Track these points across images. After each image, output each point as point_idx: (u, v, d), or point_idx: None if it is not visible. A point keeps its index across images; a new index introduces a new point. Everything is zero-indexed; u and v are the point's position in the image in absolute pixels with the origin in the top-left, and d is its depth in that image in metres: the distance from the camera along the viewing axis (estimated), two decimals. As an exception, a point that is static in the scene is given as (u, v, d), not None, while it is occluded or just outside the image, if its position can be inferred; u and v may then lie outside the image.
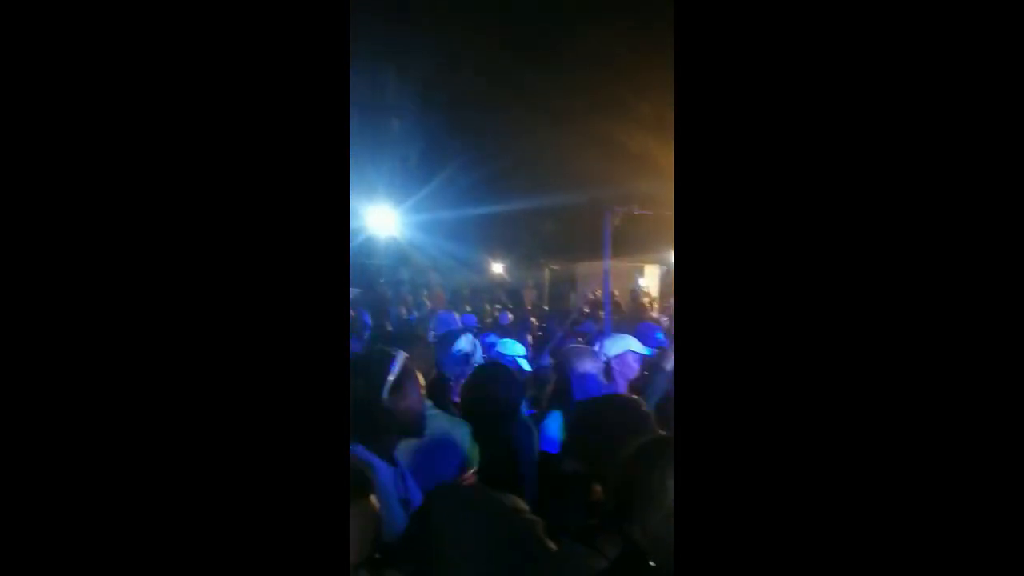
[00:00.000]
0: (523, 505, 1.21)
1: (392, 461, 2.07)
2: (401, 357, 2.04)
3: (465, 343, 3.70)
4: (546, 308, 11.20)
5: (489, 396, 2.78)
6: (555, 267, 16.92)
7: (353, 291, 14.65)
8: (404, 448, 2.17)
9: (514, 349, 4.15)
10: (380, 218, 12.23)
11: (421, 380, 2.11)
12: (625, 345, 3.57)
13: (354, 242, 13.17)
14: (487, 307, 11.70)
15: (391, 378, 1.99)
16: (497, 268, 17.23)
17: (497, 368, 3.11)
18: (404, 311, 9.43)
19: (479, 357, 3.79)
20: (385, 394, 1.98)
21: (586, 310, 9.20)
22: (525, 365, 3.94)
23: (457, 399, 3.37)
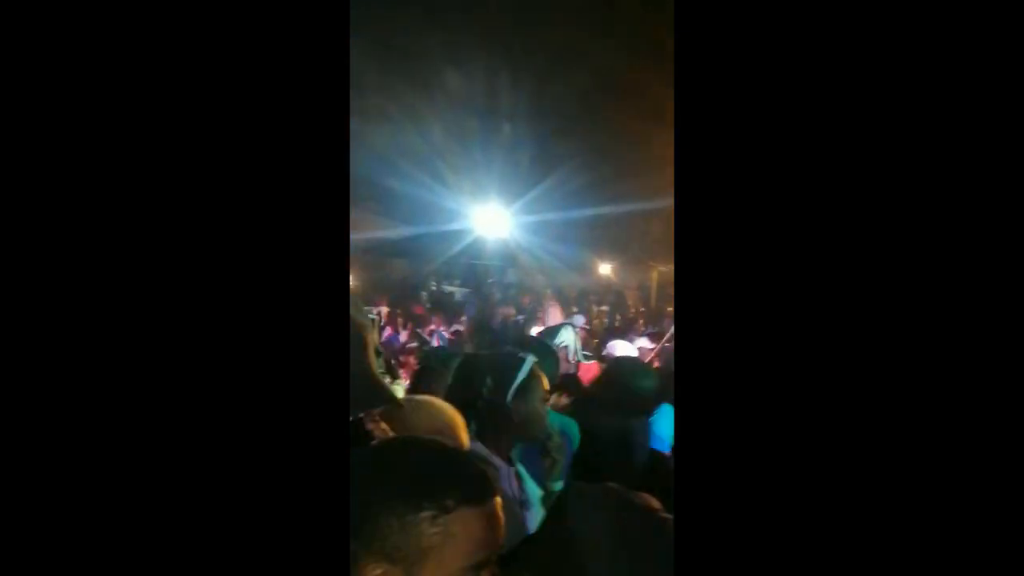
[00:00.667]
0: (656, 503, 1.21)
1: (509, 461, 2.11)
2: (530, 361, 2.09)
3: (566, 336, 3.72)
4: (670, 309, 11.00)
5: (624, 389, 2.79)
6: (663, 269, 16.69)
7: (461, 291, 14.88)
8: (518, 448, 2.22)
9: (625, 348, 4.13)
10: (490, 219, 12.35)
11: (546, 385, 2.15)
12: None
13: (463, 242, 13.35)
14: (593, 308, 11.66)
15: (518, 381, 2.04)
16: (604, 270, 17.13)
17: (634, 362, 3.10)
18: (513, 312, 9.50)
19: (579, 352, 3.80)
20: (510, 397, 2.03)
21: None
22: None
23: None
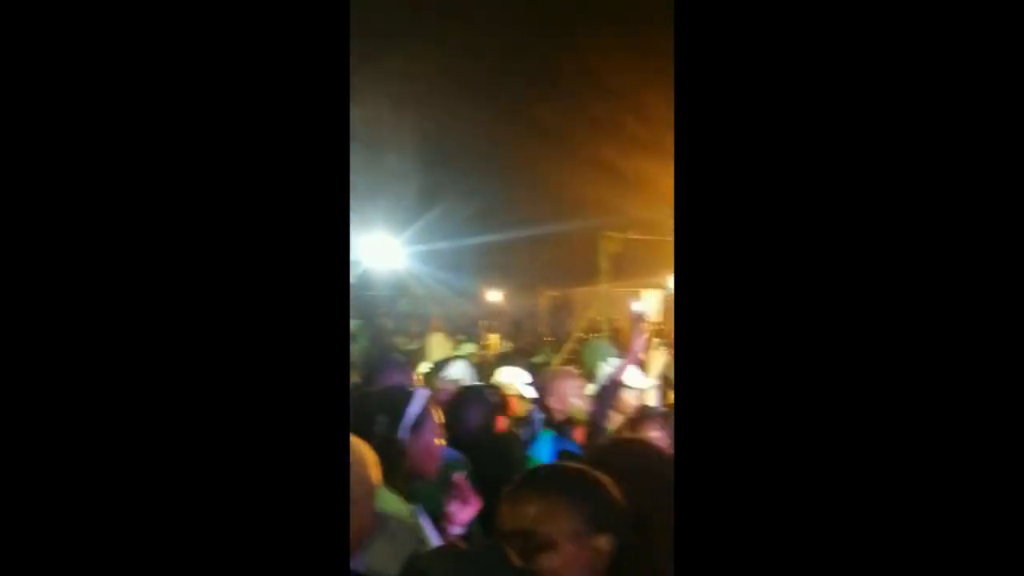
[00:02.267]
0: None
1: (407, 498, 2.02)
2: (422, 395, 1.99)
3: (456, 370, 3.64)
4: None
5: (463, 419, 2.78)
6: (553, 294, 16.89)
7: (353, 323, 14.60)
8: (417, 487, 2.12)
9: (515, 375, 4.06)
10: (378, 249, 12.19)
11: (440, 419, 2.05)
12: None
13: (353, 274, 13.12)
14: (486, 336, 11.61)
15: (410, 417, 1.94)
16: (495, 297, 17.20)
17: (472, 391, 3.09)
18: (407, 341, 9.39)
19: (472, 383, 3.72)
20: (403, 432, 1.92)
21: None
22: (530, 392, 3.85)
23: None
